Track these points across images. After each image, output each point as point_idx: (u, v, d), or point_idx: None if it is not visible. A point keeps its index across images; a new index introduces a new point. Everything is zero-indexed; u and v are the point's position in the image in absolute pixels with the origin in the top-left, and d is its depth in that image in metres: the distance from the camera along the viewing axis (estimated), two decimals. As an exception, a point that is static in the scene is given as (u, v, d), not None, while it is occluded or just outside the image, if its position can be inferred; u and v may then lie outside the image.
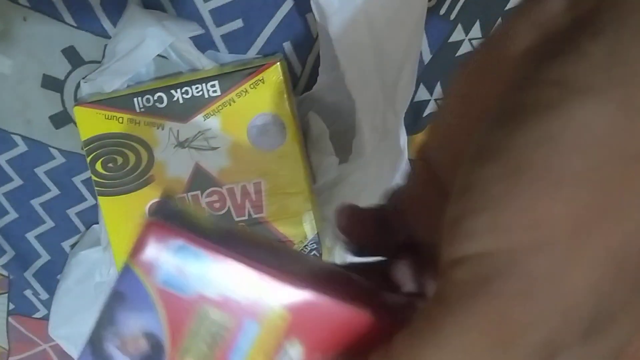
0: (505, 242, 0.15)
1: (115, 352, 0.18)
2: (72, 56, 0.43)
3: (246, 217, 0.43)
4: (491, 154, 0.16)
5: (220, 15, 0.42)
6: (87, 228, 0.49)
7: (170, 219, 0.19)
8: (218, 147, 0.42)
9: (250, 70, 0.41)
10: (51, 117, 0.45)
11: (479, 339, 0.16)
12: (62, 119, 0.45)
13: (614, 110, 0.14)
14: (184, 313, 0.18)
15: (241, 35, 0.43)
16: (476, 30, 0.44)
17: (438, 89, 0.45)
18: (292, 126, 0.42)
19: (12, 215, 0.47)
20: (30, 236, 0.48)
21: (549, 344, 0.16)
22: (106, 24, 0.42)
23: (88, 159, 0.42)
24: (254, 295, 0.18)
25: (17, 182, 0.46)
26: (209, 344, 0.18)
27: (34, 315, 0.51)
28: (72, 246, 0.49)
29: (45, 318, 0.50)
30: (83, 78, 0.43)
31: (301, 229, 0.43)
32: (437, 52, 0.44)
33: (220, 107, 0.41)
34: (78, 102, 0.42)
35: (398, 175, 0.41)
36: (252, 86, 0.41)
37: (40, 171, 0.46)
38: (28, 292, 0.50)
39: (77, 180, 0.47)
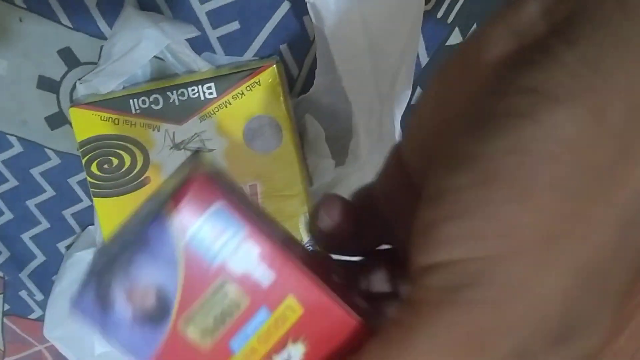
0: (476, 251, 0.15)
1: (120, 297, 0.17)
2: (68, 57, 0.43)
3: (242, 220, 0.43)
4: (463, 160, 0.16)
5: (217, 17, 0.42)
6: (83, 229, 0.49)
7: (214, 178, 0.17)
8: (214, 149, 0.42)
9: (247, 73, 0.41)
10: (47, 118, 0.45)
11: (448, 346, 0.16)
12: (57, 120, 0.45)
13: (585, 118, 0.14)
14: (202, 280, 0.17)
15: (238, 37, 0.43)
16: (473, 34, 0.44)
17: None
18: (289, 128, 0.42)
19: (8, 216, 0.47)
20: (26, 237, 0.48)
21: (519, 353, 0.16)
22: (102, 25, 0.42)
23: (83, 160, 0.42)
24: (276, 282, 0.18)
25: (13, 182, 0.46)
26: (216, 319, 0.17)
27: (29, 316, 0.51)
28: (68, 247, 0.49)
29: (41, 319, 0.50)
30: (79, 79, 0.43)
31: (297, 231, 0.43)
32: (434, 55, 0.44)
33: (217, 109, 0.41)
34: (74, 103, 0.42)
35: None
36: (248, 88, 0.41)
37: (35, 172, 0.46)
38: (23, 293, 0.50)
39: (73, 181, 0.47)
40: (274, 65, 0.41)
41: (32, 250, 0.49)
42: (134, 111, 0.41)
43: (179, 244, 0.17)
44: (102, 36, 0.43)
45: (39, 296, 0.50)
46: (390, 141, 0.42)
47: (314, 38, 0.43)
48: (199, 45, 0.43)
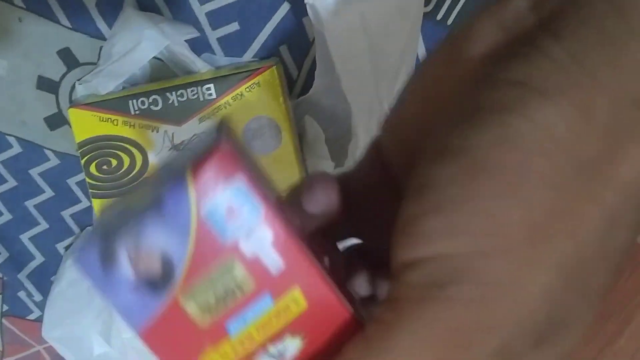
0: (461, 246, 0.15)
1: (124, 259, 0.16)
2: (68, 58, 0.43)
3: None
4: (449, 154, 0.15)
5: (217, 18, 0.42)
6: (82, 230, 0.48)
7: (238, 151, 0.17)
8: (213, 151, 0.42)
9: (246, 74, 0.41)
10: (46, 119, 0.45)
11: (430, 344, 0.15)
12: (57, 121, 0.45)
13: (572, 113, 0.14)
14: (211, 255, 0.16)
15: (237, 38, 0.43)
16: (473, 35, 0.44)
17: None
18: (288, 130, 0.42)
19: (6, 216, 0.47)
20: (25, 237, 0.48)
21: (503, 352, 0.16)
22: (102, 25, 0.42)
23: (82, 161, 0.42)
24: (285, 271, 0.17)
25: (12, 183, 0.46)
26: (218, 298, 0.17)
27: (28, 317, 0.51)
28: (67, 248, 0.49)
29: (39, 320, 0.50)
30: (78, 80, 0.43)
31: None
32: (434, 56, 0.44)
33: (216, 110, 0.41)
34: (73, 103, 0.42)
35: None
36: (247, 89, 0.41)
37: (34, 172, 0.46)
38: (22, 294, 0.50)
39: (72, 181, 0.47)
40: (274, 67, 0.41)
41: (31, 251, 0.49)
42: (133, 112, 0.41)
43: (194, 214, 0.16)
44: (101, 37, 0.42)
45: (38, 297, 0.50)
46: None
47: (314, 39, 0.43)
48: (199, 46, 0.43)
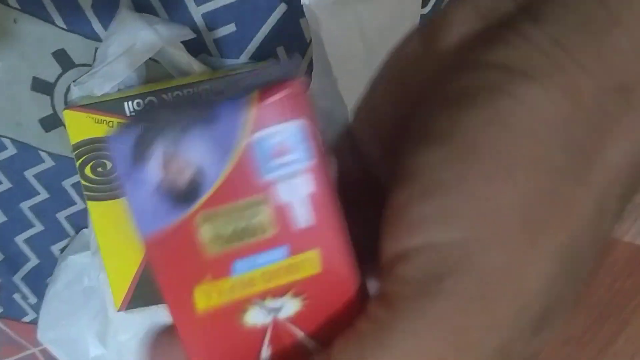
0: (456, 232, 0.14)
1: (156, 160, 0.15)
2: (63, 59, 0.43)
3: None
4: (438, 137, 0.15)
5: (213, 19, 0.42)
6: (77, 232, 0.48)
7: (306, 93, 0.16)
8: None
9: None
10: (41, 120, 0.44)
11: (433, 346, 0.14)
12: (52, 122, 0.45)
13: (559, 96, 0.14)
14: (244, 185, 0.15)
15: (234, 39, 0.43)
16: (471, 37, 0.43)
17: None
18: (284, 132, 0.41)
19: (1, 218, 0.47)
20: (19, 240, 0.48)
21: (503, 351, 0.15)
22: (97, 27, 0.42)
23: (77, 163, 0.42)
24: (310, 229, 0.16)
25: (6, 185, 0.46)
26: (234, 233, 0.16)
27: (23, 319, 0.51)
28: (62, 250, 0.49)
29: (34, 322, 0.50)
30: (73, 81, 0.43)
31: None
32: (431, 58, 0.43)
33: (212, 112, 0.41)
34: (68, 105, 0.42)
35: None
36: (244, 91, 0.41)
37: (29, 174, 0.46)
38: (17, 296, 0.50)
39: (67, 183, 0.46)
40: (270, 68, 0.40)
41: (26, 253, 0.48)
42: (128, 113, 0.41)
43: (242, 138, 0.15)
44: (97, 38, 0.42)
45: (33, 299, 0.50)
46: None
47: (311, 40, 0.43)
48: (195, 47, 0.42)
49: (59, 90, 0.44)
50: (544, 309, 0.15)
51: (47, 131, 0.45)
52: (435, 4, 0.42)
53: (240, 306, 0.17)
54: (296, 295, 0.17)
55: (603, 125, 0.14)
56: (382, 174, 0.17)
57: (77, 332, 0.47)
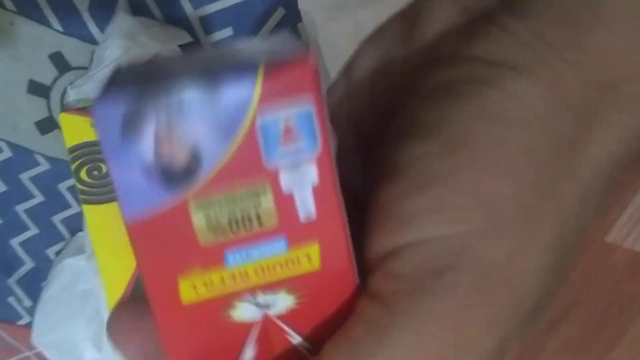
0: (452, 226, 0.14)
1: (149, 132, 0.13)
2: (59, 62, 0.43)
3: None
4: (427, 130, 0.15)
5: (210, 23, 0.42)
6: (73, 235, 0.48)
7: (319, 75, 0.14)
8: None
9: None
10: (37, 123, 0.44)
11: (431, 344, 0.14)
12: (48, 125, 0.44)
13: (546, 89, 0.14)
14: (246, 170, 0.14)
15: (231, 43, 0.42)
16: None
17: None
18: (281, 137, 0.41)
19: (-3, 221, 0.47)
20: (15, 243, 0.48)
21: (502, 342, 0.14)
22: (94, 30, 0.42)
23: (73, 167, 0.42)
24: (313, 223, 0.15)
25: (1, 188, 0.46)
26: (231, 221, 0.14)
27: (18, 322, 0.51)
28: (57, 253, 0.48)
29: (29, 325, 0.50)
30: (70, 84, 0.43)
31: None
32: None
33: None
34: (64, 108, 0.42)
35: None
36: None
37: (25, 177, 0.46)
38: (12, 299, 0.50)
39: (63, 187, 0.46)
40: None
41: (21, 256, 0.48)
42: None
43: (249, 116, 0.14)
44: (93, 41, 0.42)
45: (28, 302, 0.50)
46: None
47: (308, 45, 0.42)
48: (192, 51, 0.42)
49: (56, 93, 0.44)
50: (538, 301, 0.15)
51: (43, 134, 0.45)
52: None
53: (229, 300, 0.15)
54: (290, 292, 0.15)
55: (588, 121, 0.14)
56: (358, 172, 0.16)
57: (71, 336, 0.47)
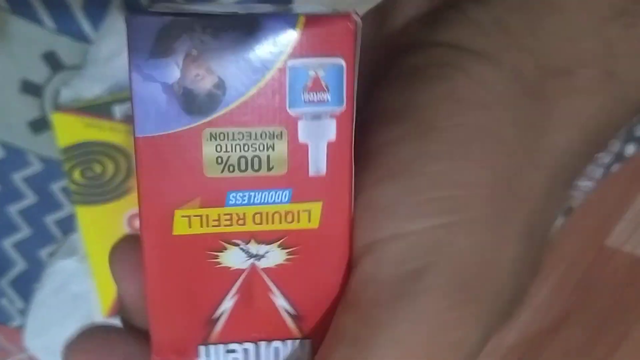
0: (426, 220, 0.13)
1: (180, 55, 0.13)
2: (53, 61, 0.42)
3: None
4: (395, 115, 0.14)
5: (206, 22, 0.41)
6: (66, 236, 0.48)
7: (357, 36, 0.14)
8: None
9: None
10: (30, 123, 0.44)
11: (417, 351, 0.13)
12: (41, 125, 0.44)
13: (506, 73, 0.14)
14: (266, 111, 0.14)
15: (227, 43, 0.42)
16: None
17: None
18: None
19: (-11, 222, 0.47)
20: (7, 244, 0.47)
21: (486, 334, 0.14)
22: (88, 28, 0.41)
23: (66, 167, 0.41)
24: (320, 180, 0.14)
25: (-6, 188, 0.45)
26: (240, 161, 0.14)
27: (10, 325, 0.50)
28: (50, 255, 0.48)
29: (21, 327, 0.49)
30: (63, 84, 0.42)
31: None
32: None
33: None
34: (57, 108, 0.42)
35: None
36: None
37: (17, 177, 0.45)
38: (4, 301, 0.49)
39: (56, 187, 0.46)
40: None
41: (13, 257, 0.48)
42: (118, 117, 0.41)
43: (281, 59, 0.14)
44: (87, 40, 0.42)
45: (20, 304, 0.49)
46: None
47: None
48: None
49: (49, 93, 0.43)
50: (514, 292, 0.14)
51: (36, 134, 0.44)
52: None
53: (220, 242, 0.15)
54: (283, 246, 0.15)
55: (547, 107, 0.14)
56: None
57: (64, 338, 0.46)
